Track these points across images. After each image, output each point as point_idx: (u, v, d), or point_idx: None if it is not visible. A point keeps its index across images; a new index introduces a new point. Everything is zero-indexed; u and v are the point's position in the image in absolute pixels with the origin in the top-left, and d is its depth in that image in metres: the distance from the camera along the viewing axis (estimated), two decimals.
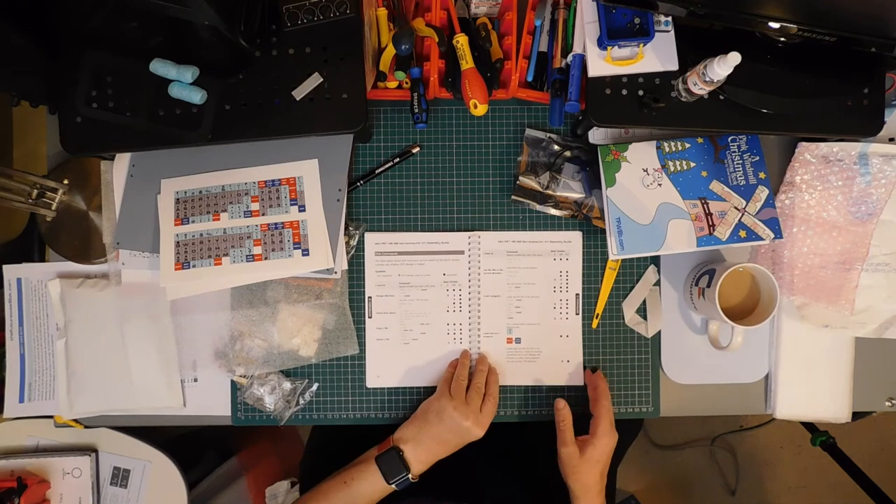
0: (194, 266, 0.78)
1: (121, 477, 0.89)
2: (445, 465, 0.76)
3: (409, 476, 0.73)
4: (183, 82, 0.69)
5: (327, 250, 0.78)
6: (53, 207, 0.83)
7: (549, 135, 0.83)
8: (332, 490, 0.74)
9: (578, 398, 0.84)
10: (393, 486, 0.73)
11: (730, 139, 0.78)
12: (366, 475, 0.74)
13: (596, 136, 0.82)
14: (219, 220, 0.79)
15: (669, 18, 0.72)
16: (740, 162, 0.77)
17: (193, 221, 0.79)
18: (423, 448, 0.75)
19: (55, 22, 0.73)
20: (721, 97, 0.72)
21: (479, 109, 0.75)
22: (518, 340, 0.83)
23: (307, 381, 0.84)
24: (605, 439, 0.75)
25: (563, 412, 0.77)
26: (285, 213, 0.79)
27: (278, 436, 1.35)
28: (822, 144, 0.79)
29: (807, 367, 0.83)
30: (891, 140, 0.81)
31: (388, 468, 0.73)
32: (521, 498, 0.85)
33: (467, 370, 0.80)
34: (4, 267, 0.85)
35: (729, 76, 0.63)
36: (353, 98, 0.72)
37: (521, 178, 0.83)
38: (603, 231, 0.82)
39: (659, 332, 0.84)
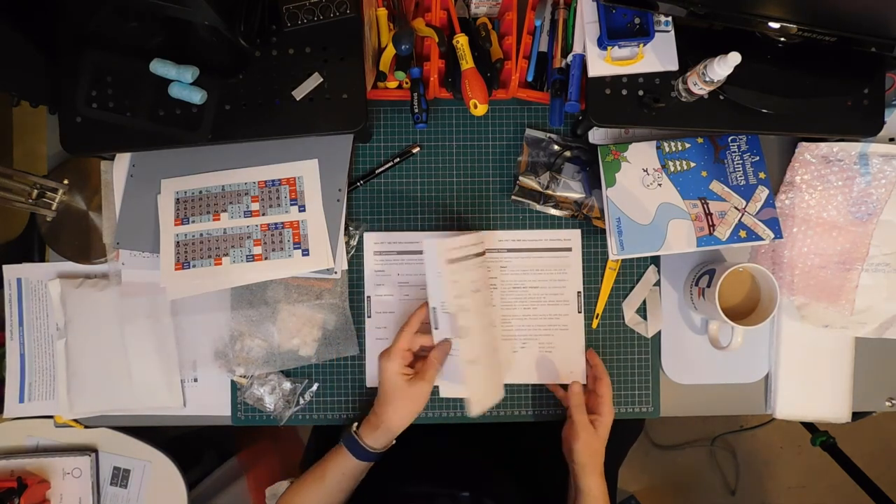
0: (194, 266, 0.78)
1: (121, 477, 0.89)
2: (445, 455, 0.76)
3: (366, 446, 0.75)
4: (183, 82, 0.69)
5: (327, 250, 0.78)
6: (53, 207, 0.83)
7: (549, 135, 0.83)
8: (309, 479, 0.78)
9: None
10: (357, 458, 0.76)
11: (730, 139, 0.78)
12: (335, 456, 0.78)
13: (596, 136, 0.82)
14: (219, 220, 0.79)
15: (669, 18, 0.72)
16: (740, 162, 0.77)
17: (193, 221, 0.79)
18: (372, 418, 0.77)
19: (55, 22, 0.73)
20: (721, 97, 0.72)
21: (479, 109, 0.75)
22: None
23: (307, 381, 0.84)
24: (611, 416, 0.77)
25: (580, 396, 0.78)
26: (285, 213, 0.79)
27: (278, 436, 1.35)
28: (822, 144, 0.79)
29: (807, 367, 0.83)
30: (891, 140, 0.81)
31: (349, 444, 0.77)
32: (515, 493, 0.86)
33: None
34: (4, 267, 0.85)
35: (729, 76, 0.63)
36: (353, 98, 0.72)
37: (521, 178, 0.83)
38: (603, 231, 0.82)
39: (659, 332, 0.84)
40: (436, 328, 0.75)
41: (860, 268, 0.80)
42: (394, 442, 0.78)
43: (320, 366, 0.84)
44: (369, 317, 0.83)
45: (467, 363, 0.74)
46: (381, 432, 0.75)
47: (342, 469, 0.77)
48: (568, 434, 0.77)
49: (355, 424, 0.78)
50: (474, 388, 0.75)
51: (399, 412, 0.75)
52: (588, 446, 0.75)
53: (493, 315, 0.81)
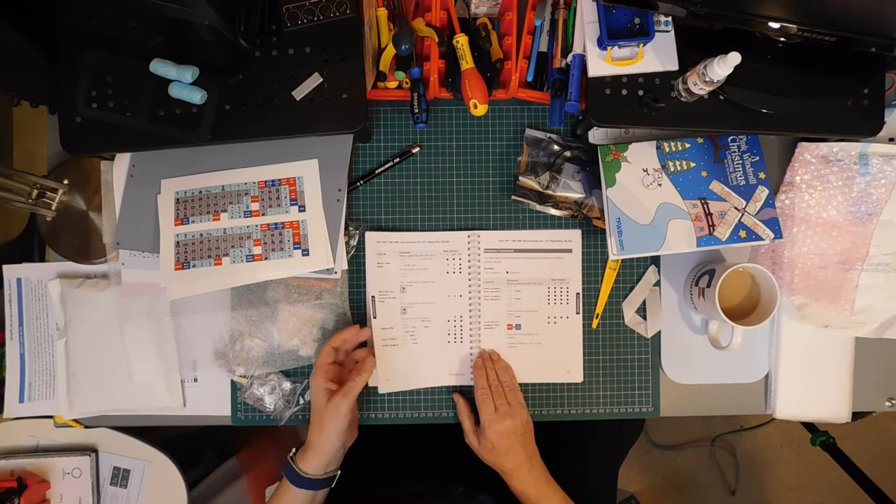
0: (194, 266, 0.78)
1: (121, 477, 0.89)
2: (447, 454, 0.76)
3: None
4: (183, 82, 0.69)
5: (327, 250, 0.78)
6: (53, 207, 0.83)
7: (549, 135, 0.83)
8: None
9: (576, 397, 0.84)
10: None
11: (730, 139, 0.78)
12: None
13: (596, 136, 0.82)
14: (219, 220, 0.79)
15: (669, 18, 0.72)
16: (740, 162, 0.77)
17: (193, 221, 0.79)
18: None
19: (55, 22, 0.73)
20: (721, 97, 0.72)
21: (479, 109, 0.75)
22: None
23: (307, 381, 0.84)
24: (492, 427, 0.75)
25: (459, 405, 0.81)
26: (285, 213, 0.79)
27: (278, 436, 1.35)
28: (822, 144, 0.79)
29: (807, 367, 0.83)
30: (891, 140, 0.81)
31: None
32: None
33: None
34: (4, 267, 0.85)
35: (729, 76, 0.63)
36: (353, 98, 0.72)
37: (521, 178, 0.83)
38: (603, 231, 0.82)
39: (659, 332, 0.84)
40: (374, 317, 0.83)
41: (860, 268, 0.80)
42: (339, 471, 0.77)
43: None
44: (375, 317, 0.83)
45: (376, 339, 0.83)
46: (311, 455, 0.73)
47: (287, 500, 0.74)
48: None
49: (293, 449, 0.76)
50: (384, 366, 0.82)
51: (322, 432, 0.73)
52: (485, 459, 0.77)
53: (441, 313, 0.83)
